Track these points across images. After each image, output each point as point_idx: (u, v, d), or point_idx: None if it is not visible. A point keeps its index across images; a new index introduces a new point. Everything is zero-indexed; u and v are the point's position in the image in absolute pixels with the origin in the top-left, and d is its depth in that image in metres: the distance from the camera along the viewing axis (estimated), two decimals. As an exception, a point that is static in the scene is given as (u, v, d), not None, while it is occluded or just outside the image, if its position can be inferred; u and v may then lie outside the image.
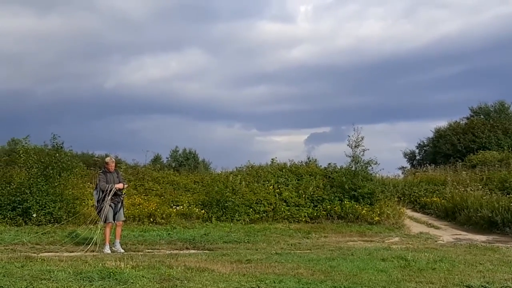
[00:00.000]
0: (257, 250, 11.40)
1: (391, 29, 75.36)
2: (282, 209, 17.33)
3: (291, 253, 10.83)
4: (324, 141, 66.94)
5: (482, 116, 39.22)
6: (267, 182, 18.97)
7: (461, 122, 38.44)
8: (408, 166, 39.50)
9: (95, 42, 71.94)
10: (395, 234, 15.09)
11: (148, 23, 74.65)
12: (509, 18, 64.38)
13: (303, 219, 17.13)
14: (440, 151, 35.87)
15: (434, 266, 9.07)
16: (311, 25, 79.26)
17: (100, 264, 8.43)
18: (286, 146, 68.38)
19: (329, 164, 20.97)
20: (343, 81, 76.79)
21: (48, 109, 71.68)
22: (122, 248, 11.24)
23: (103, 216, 11.20)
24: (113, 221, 11.33)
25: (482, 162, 26.34)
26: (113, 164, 11.75)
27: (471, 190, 18.73)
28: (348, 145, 19.10)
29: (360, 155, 18.96)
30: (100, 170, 12.72)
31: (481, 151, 30.25)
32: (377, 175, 20.29)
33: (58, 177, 15.54)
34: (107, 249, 10.98)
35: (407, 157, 42.15)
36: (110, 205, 11.26)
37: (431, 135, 39.47)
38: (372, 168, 19.11)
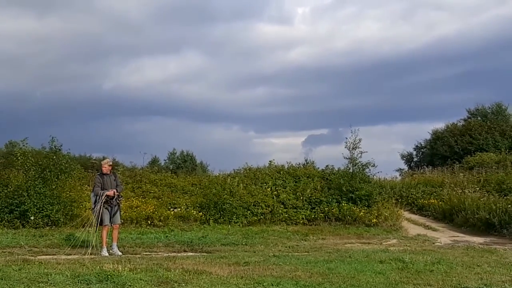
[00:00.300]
0: (255, 252, 11.40)
1: (389, 31, 75.47)
2: (280, 211, 17.33)
3: (289, 256, 10.83)
4: (322, 143, 66.98)
5: (479, 118, 39.25)
6: (264, 184, 18.96)
7: (459, 124, 38.51)
8: (405, 168, 39.53)
9: (94, 44, 71.95)
10: (392, 236, 15.10)
11: (147, 25, 74.67)
12: (507, 19, 64.53)
13: (301, 221, 17.13)
14: (437, 152, 35.92)
15: (432, 268, 9.08)
16: (309, 27, 79.34)
17: (98, 267, 8.43)
18: (284, 148, 68.33)
19: (327, 166, 20.98)
20: (341, 83, 76.90)
21: (46, 111, 71.61)
22: (120, 251, 11.24)
23: (94, 218, 11.21)
24: (109, 224, 11.32)
25: (479, 164, 26.36)
26: (108, 166, 11.68)
27: (468, 192, 18.74)
28: (345, 147, 19.15)
29: (357, 157, 19.01)
30: (97, 172, 12.69)
31: (478, 152, 30.29)
32: (375, 177, 20.30)
33: (56, 179, 15.52)
34: (104, 252, 10.97)
35: (405, 158, 42.23)
36: (106, 208, 11.25)
37: (428, 136, 39.57)
38: (370, 170, 19.15)
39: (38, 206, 14.80)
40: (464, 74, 69.76)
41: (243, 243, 12.91)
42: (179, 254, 11.11)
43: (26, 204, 14.71)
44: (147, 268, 8.48)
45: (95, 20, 70.35)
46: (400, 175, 31.70)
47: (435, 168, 27.75)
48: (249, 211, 17.00)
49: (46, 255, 10.59)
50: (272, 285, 7.44)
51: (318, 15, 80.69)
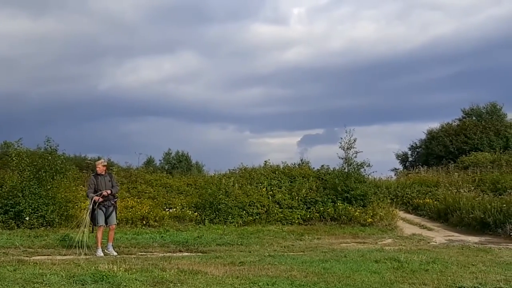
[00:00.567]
0: (250, 252, 11.40)
1: (384, 31, 75.65)
2: (275, 211, 17.35)
3: (284, 255, 10.84)
4: (317, 143, 67.02)
5: (474, 118, 39.32)
6: (260, 184, 18.97)
7: (453, 124, 38.57)
8: (400, 167, 39.63)
9: (89, 45, 71.84)
10: (388, 235, 15.12)
11: (142, 26, 74.64)
12: (502, 19, 64.76)
13: (296, 221, 17.15)
14: (432, 152, 35.98)
15: (427, 267, 9.10)
16: (305, 27, 79.46)
17: (93, 267, 8.41)
18: (279, 148, 68.44)
19: (322, 166, 21.02)
20: (337, 83, 77.05)
21: (41, 112, 71.45)
22: (115, 251, 11.22)
23: (85, 219, 11.21)
24: (104, 225, 11.29)
25: (474, 163, 26.45)
26: (102, 167, 11.62)
27: (463, 191, 18.81)
28: (340, 147, 19.18)
29: (352, 157, 19.04)
30: (92, 172, 12.65)
31: (473, 152, 30.38)
32: (370, 176, 20.33)
33: (51, 180, 15.47)
34: (99, 252, 10.95)
35: (400, 158, 42.27)
36: (101, 209, 11.22)
37: (423, 136, 39.62)
38: (365, 170, 19.17)
39: (33, 206, 14.75)
40: (459, 74, 70.06)
41: (239, 243, 12.91)
42: (174, 254, 11.10)
43: (21, 204, 14.66)
44: (142, 268, 8.47)
45: (90, 21, 70.30)
46: (395, 174, 31.81)
47: (430, 168, 27.84)
48: (244, 211, 17.00)
49: (41, 255, 10.56)
50: (268, 285, 7.44)
51: (313, 16, 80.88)
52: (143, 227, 15.40)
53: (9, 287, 6.97)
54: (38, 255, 10.55)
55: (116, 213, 11.73)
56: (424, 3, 75.99)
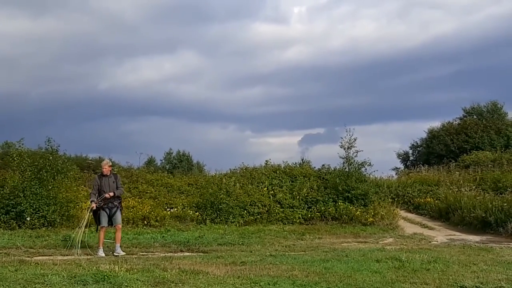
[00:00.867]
0: (251, 252, 11.40)
1: (384, 30, 75.65)
2: (276, 210, 17.35)
3: (285, 255, 10.84)
4: (318, 142, 66.99)
5: (475, 117, 39.32)
6: (261, 184, 18.98)
7: (454, 123, 38.57)
8: (401, 166, 39.65)
9: (89, 44, 71.81)
10: (389, 235, 15.11)
11: (142, 25, 74.64)
12: (502, 18, 64.74)
13: (297, 221, 17.14)
14: (433, 151, 35.98)
15: (428, 266, 9.10)
16: (305, 26, 79.49)
17: (94, 268, 8.41)
18: (280, 147, 68.43)
19: (323, 165, 21.02)
20: (337, 82, 77.05)
21: (42, 112, 71.53)
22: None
23: (84, 220, 11.24)
24: (106, 226, 11.27)
25: (475, 162, 26.45)
26: (108, 167, 11.56)
27: (464, 190, 18.80)
28: (341, 147, 19.18)
29: (353, 156, 19.03)
30: (98, 173, 12.58)
31: (474, 151, 30.38)
32: (371, 176, 20.32)
33: (52, 180, 15.46)
34: (100, 253, 10.93)
35: (401, 157, 42.26)
36: (104, 210, 11.20)
37: (424, 135, 39.64)
38: (366, 169, 19.17)
39: (34, 207, 14.75)
40: (459, 72, 70.07)
41: (240, 243, 12.90)
42: (175, 254, 11.10)
43: (22, 205, 14.65)
44: (143, 269, 8.47)
45: (91, 20, 70.30)
46: (396, 174, 31.83)
47: (431, 167, 27.83)
48: (245, 211, 17.00)
49: (42, 256, 10.56)
50: (269, 284, 7.44)
51: (314, 14, 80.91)
52: (144, 227, 15.39)
53: (10, 287, 6.97)
54: (40, 255, 10.55)
55: (121, 213, 11.61)
56: (424, 1, 76.08)
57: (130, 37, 75.05)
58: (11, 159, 16.16)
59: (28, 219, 14.55)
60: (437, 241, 13.98)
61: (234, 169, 21.67)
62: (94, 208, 11.22)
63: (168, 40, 76.93)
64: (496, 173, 21.62)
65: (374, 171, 20.17)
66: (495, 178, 20.72)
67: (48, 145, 16.19)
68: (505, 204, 15.44)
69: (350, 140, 18.90)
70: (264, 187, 18.60)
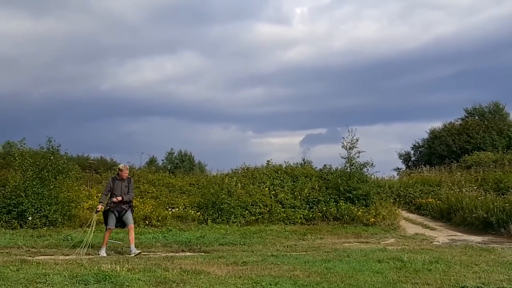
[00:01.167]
0: (253, 252, 11.38)
1: (386, 31, 75.75)
2: (278, 211, 17.34)
3: (287, 255, 10.82)
4: (320, 143, 67.13)
5: (476, 117, 39.32)
6: (262, 184, 18.98)
7: (456, 123, 38.58)
8: (403, 167, 39.68)
9: (91, 45, 72.07)
10: (390, 235, 15.09)
11: (143, 26, 74.79)
12: (504, 19, 64.78)
13: (299, 221, 17.13)
14: (435, 152, 35.98)
15: (430, 267, 9.08)
16: (307, 27, 79.66)
17: (96, 267, 8.40)
18: (282, 147, 68.51)
19: (325, 165, 21.04)
20: (339, 83, 77.18)
21: (43, 112, 71.73)
22: (119, 251, 11.14)
23: (91, 221, 11.26)
24: (113, 227, 11.23)
25: (477, 162, 26.44)
26: (126, 172, 11.55)
27: (466, 191, 18.78)
28: (342, 147, 19.18)
29: (355, 157, 19.03)
30: (112, 175, 12.51)
31: (476, 152, 30.38)
32: (373, 176, 20.34)
33: (54, 180, 15.49)
34: (102, 252, 10.92)
35: (402, 158, 42.29)
36: (113, 212, 11.16)
37: (426, 136, 39.68)
38: (368, 169, 19.16)
39: (36, 206, 14.77)
40: (461, 73, 70.13)
41: (241, 243, 12.90)
42: (177, 254, 11.09)
43: (24, 204, 14.68)
44: (145, 268, 8.46)
45: (92, 21, 70.47)
46: (397, 174, 31.87)
47: (433, 167, 27.83)
48: (247, 211, 17.00)
49: (44, 255, 10.55)
50: (270, 284, 7.44)
51: (316, 15, 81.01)
52: (146, 227, 15.39)
53: (12, 287, 6.97)
54: (41, 255, 10.55)
55: (131, 214, 11.53)
56: (426, 2, 76.14)
57: (131, 37, 75.27)
58: (12, 158, 16.22)
59: (30, 218, 14.58)
60: (439, 242, 13.96)
61: (235, 169, 21.71)
62: (99, 209, 11.27)
63: (170, 40, 77.19)
64: (498, 174, 21.59)
65: (376, 172, 20.24)
66: (496, 179, 20.70)
67: (49, 145, 16.23)
68: (507, 204, 15.40)
69: (352, 140, 18.93)
70: (265, 187, 18.60)
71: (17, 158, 15.83)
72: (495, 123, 35.55)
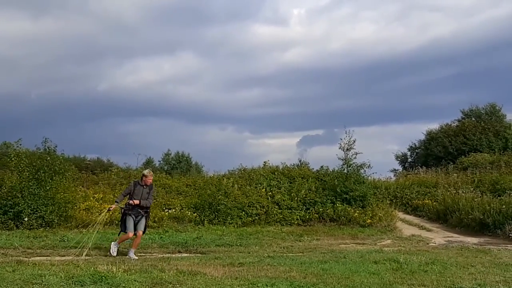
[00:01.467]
0: (249, 253, 11.40)
1: (384, 32, 75.78)
2: (275, 212, 17.33)
3: (283, 256, 10.84)
4: (317, 144, 67.03)
5: (473, 119, 39.35)
6: (259, 185, 18.97)
7: (453, 125, 38.59)
8: (400, 168, 39.67)
9: (89, 45, 71.99)
10: (387, 236, 15.12)
11: (141, 27, 74.77)
12: (501, 21, 64.87)
13: (296, 222, 17.13)
14: (431, 153, 36.00)
15: (426, 268, 9.10)
16: (305, 28, 79.65)
17: (92, 268, 8.39)
18: (279, 148, 68.47)
19: (322, 167, 21.06)
20: (336, 84, 77.22)
21: (41, 112, 71.51)
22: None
23: (100, 218, 11.38)
24: (132, 233, 10.99)
25: (473, 164, 26.46)
26: (151, 178, 11.38)
27: (462, 192, 18.80)
28: (339, 148, 19.18)
29: (352, 158, 19.02)
30: (135, 179, 12.38)
31: (472, 153, 30.39)
32: (369, 177, 20.32)
33: (50, 180, 15.44)
34: (113, 250, 10.82)
35: (399, 159, 42.33)
36: (131, 215, 11.02)
37: (422, 137, 39.70)
38: (365, 171, 19.16)
39: (32, 207, 14.73)
40: (458, 75, 70.27)
41: (238, 244, 12.90)
42: (173, 255, 11.09)
43: (20, 205, 14.63)
44: (141, 269, 8.45)
45: (90, 22, 70.41)
46: (394, 175, 31.82)
47: (429, 169, 27.84)
48: (243, 212, 16.99)
49: (40, 256, 10.54)
50: (267, 285, 7.44)
51: (313, 16, 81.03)
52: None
53: (8, 287, 6.96)
54: (37, 256, 10.53)
55: (146, 221, 11.37)
56: (423, 4, 76.18)
57: (129, 38, 75.21)
58: (9, 159, 16.15)
59: (26, 219, 14.53)
60: (435, 243, 13.99)
61: (232, 170, 21.73)
62: (112, 208, 11.34)
63: (168, 41, 77.15)
64: (494, 175, 21.63)
65: (372, 173, 20.23)
66: (493, 180, 20.74)
67: (45, 145, 16.19)
68: (503, 206, 15.45)
69: (349, 141, 18.93)
70: (262, 188, 18.59)
71: (13, 159, 15.78)
72: (491, 124, 35.58)
